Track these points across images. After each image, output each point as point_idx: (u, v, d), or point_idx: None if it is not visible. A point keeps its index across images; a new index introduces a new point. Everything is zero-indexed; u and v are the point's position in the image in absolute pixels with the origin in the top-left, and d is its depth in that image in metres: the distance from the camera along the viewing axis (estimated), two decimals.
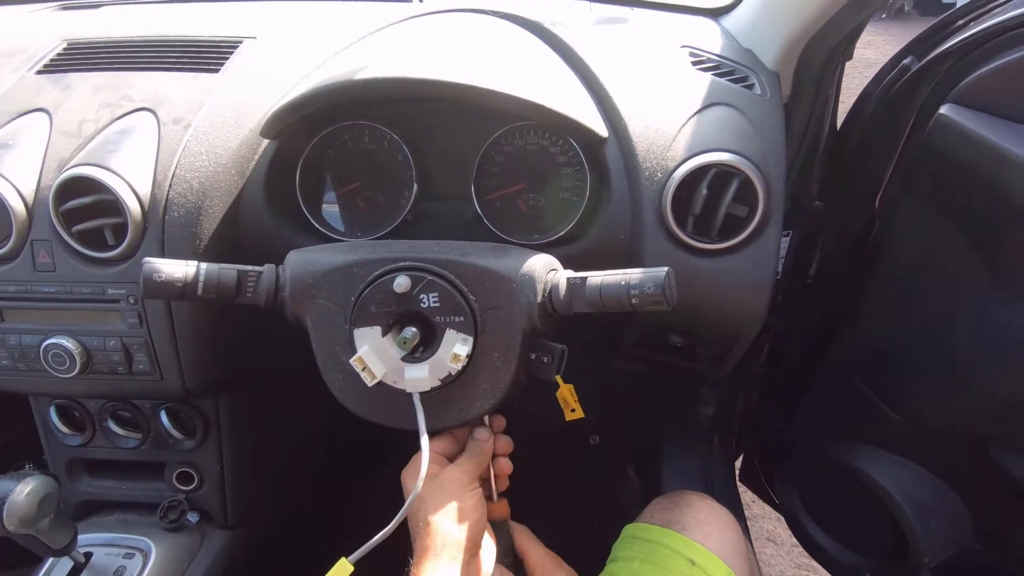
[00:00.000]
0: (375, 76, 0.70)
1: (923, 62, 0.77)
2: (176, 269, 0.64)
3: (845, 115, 0.96)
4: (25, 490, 0.69)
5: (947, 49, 0.74)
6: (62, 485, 0.78)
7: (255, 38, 0.92)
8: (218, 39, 0.92)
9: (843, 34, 0.75)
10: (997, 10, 0.74)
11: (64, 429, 0.91)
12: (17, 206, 0.75)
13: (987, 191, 0.68)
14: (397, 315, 0.65)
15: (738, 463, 1.41)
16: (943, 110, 0.70)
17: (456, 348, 0.63)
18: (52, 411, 0.91)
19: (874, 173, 0.86)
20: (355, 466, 1.37)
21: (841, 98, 0.96)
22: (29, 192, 0.76)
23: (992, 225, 0.70)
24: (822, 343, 1.05)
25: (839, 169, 0.95)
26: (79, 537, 0.79)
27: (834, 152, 0.95)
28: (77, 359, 0.77)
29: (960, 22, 0.78)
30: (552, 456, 1.42)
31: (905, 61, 0.80)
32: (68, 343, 0.77)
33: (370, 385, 0.64)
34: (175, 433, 0.89)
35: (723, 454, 1.33)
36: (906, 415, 0.91)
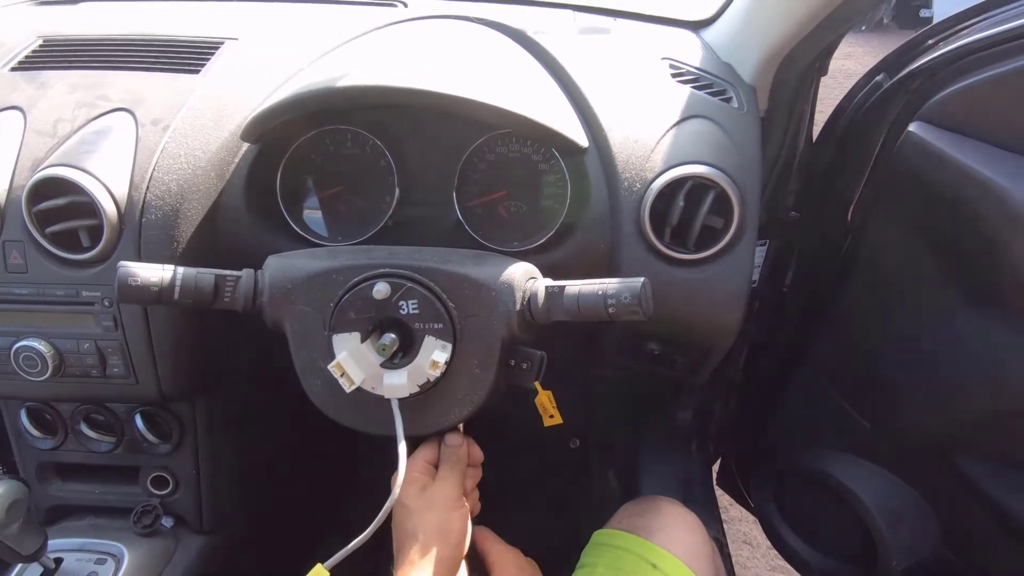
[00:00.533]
0: (357, 84, 0.70)
1: (894, 79, 0.79)
2: (152, 273, 0.63)
3: (820, 128, 0.98)
4: None
5: (917, 68, 0.77)
6: (32, 489, 0.77)
7: (237, 39, 0.92)
8: (199, 40, 0.91)
9: (818, 51, 0.77)
10: (964, 31, 0.77)
11: (35, 432, 0.90)
12: None
13: (953, 208, 0.70)
14: (376, 321, 0.65)
15: (716, 467, 1.43)
16: (912, 127, 0.72)
17: (435, 355, 0.64)
18: (23, 414, 0.89)
19: (847, 187, 0.88)
20: (332, 471, 1.37)
21: (818, 110, 0.98)
22: (1, 192, 0.74)
23: (959, 241, 0.72)
24: (797, 351, 1.07)
25: (814, 181, 0.97)
26: (49, 542, 0.77)
27: (809, 164, 0.97)
28: (49, 362, 0.76)
29: (931, 41, 0.81)
30: (533, 460, 1.43)
31: (878, 78, 0.82)
32: (40, 346, 0.76)
33: (348, 391, 0.64)
34: (150, 437, 0.88)
35: (701, 459, 1.35)
36: (877, 423, 0.94)
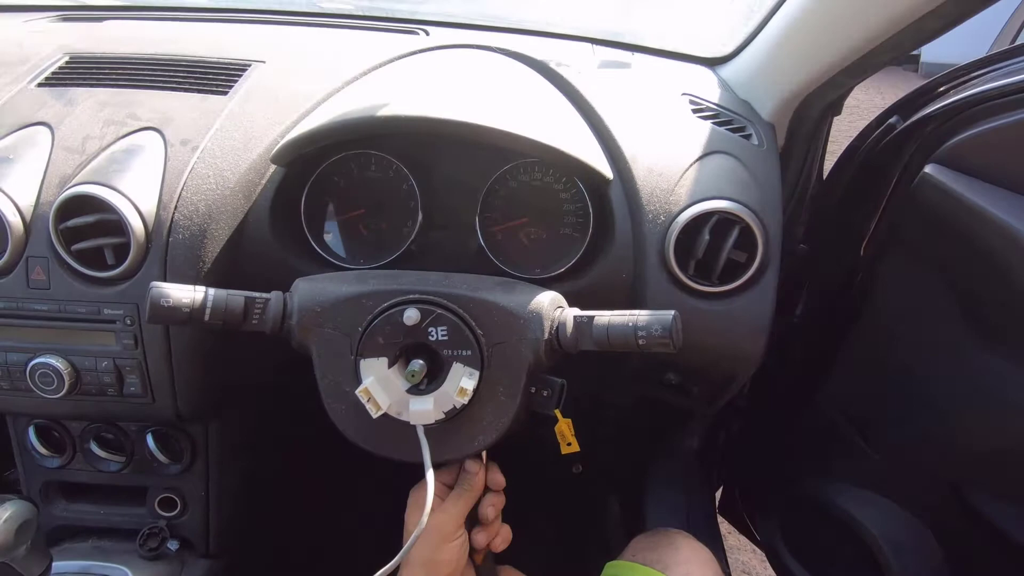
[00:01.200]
0: (394, 114, 0.71)
1: (907, 123, 0.82)
2: (184, 294, 0.63)
3: (832, 165, 1.00)
4: (3, 516, 0.67)
5: (930, 113, 0.79)
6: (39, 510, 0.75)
7: (264, 62, 0.93)
8: (227, 61, 0.92)
9: (837, 95, 0.79)
10: (975, 80, 0.80)
11: (43, 450, 0.88)
12: (15, 221, 0.73)
13: (969, 248, 0.72)
14: (404, 347, 0.65)
15: (718, 495, 1.43)
16: (928, 169, 0.75)
17: (463, 382, 0.64)
18: (31, 431, 0.87)
19: (859, 223, 0.91)
20: (345, 498, 1.35)
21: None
22: (28, 207, 0.74)
23: (973, 281, 0.74)
24: (806, 381, 1.09)
25: (825, 217, 0.99)
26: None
27: (820, 200, 1.00)
28: (66, 379, 0.75)
29: (942, 88, 0.84)
30: (535, 486, 1.42)
31: (891, 120, 0.85)
32: (57, 363, 0.75)
33: (375, 416, 0.64)
34: (161, 457, 0.86)
35: (704, 487, 1.35)
36: (886, 456, 0.95)
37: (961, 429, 0.81)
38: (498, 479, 0.72)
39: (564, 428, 0.81)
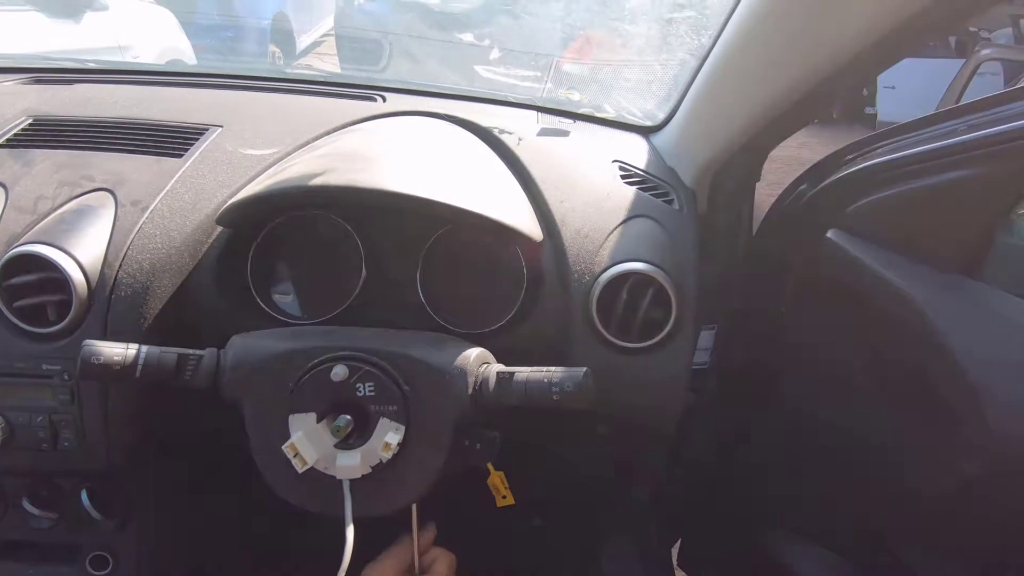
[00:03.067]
0: (329, 183, 0.76)
1: (815, 189, 0.89)
2: (116, 352, 0.65)
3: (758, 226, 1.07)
4: None
5: (834, 180, 0.86)
6: None
7: (221, 126, 0.98)
8: (185, 125, 0.97)
9: (748, 166, 0.86)
10: (877, 151, 0.87)
11: None
12: None
13: (869, 311, 0.77)
14: (332, 403, 0.67)
15: (676, 547, 1.43)
16: (830, 234, 0.81)
17: (388, 437, 0.66)
18: None
19: (779, 281, 0.96)
20: (281, 555, 1.32)
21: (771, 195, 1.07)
22: None
23: (872, 338, 0.79)
24: (748, 433, 1.12)
25: (754, 273, 1.05)
26: None
27: (752, 257, 1.06)
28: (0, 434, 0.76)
29: (848, 157, 0.91)
30: (496, 540, 1.41)
31: (801, 187, 0.92)
32: None
33: (300, 471, 0.65)
34: (95, 514, 0.86)
35: (661, 540, 1.35)
36: (822, 506, 0.97)
37: (878, 480, 0.85)
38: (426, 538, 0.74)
39: (497, 481, 0.83)
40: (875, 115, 5.97)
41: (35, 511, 0.87)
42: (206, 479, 1.00)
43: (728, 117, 0.79)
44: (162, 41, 3.48)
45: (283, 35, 5.21)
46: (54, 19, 2.99)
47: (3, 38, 2.67)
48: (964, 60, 4.35)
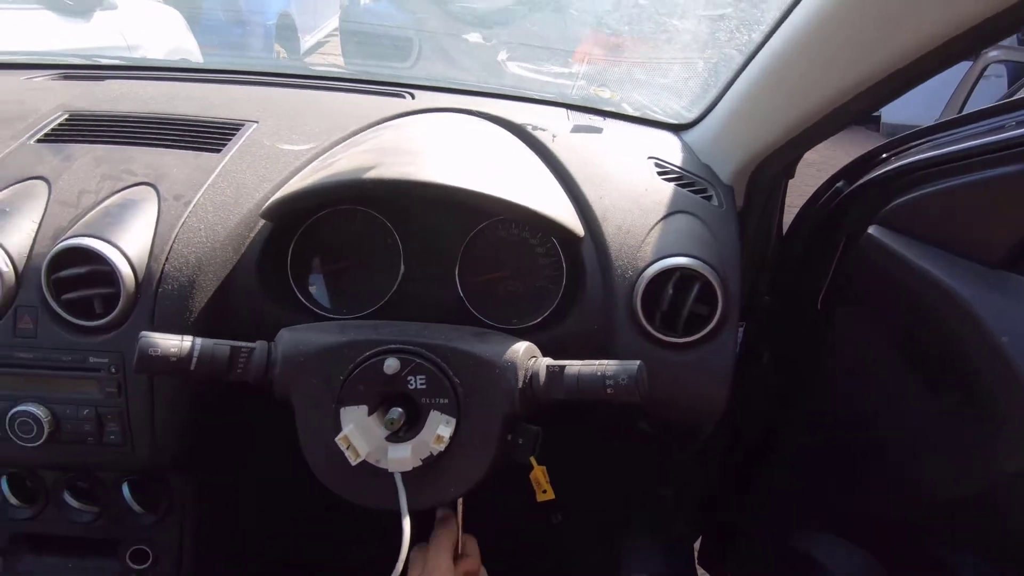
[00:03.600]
0: (379, 177, 0.76)
1: (852, 187, 0.89)
2: (172, 344, 0.65)
3: (789, 224, 1.08)
4: None
5: (872, 178, 0.87)
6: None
7: (257, 122, 0.98)
8: (221, 120, 0.97)
9: (787, 162, 0.87)
10: (913, 149, 0.88)
11: (14, 501, 0.87)
12: (7, 272, 0.75)
13: (911, 303, 0.78)
14: (383, 396, 0.68)
15: (697, 544, 1.44)
16: (871, 230, 0.82)
17: (440, 430, 0.66)
18: (3, 482, 0.87)
19: (815, 279, 0.97)
20: (327, 550, 1.32)
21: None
22: (21, 258, 0.77)
23: (912, 333, 0.80)
24: (775, 430, 1.12)
25: (785, 272, 1.05)
26: None
27: (781, 255, 1.06)
28: (45, 427, 0.76)
29: (884, 155, 0.92)
30: (514, 535, 1.41)
31: (838, 184, 0.92)
32: (38, 410, 0.76)
33: (353, 464, 0.66)
34: (136, 507, 0.86)
35: (683, 536, 1.36)
36: (851, 503, 0.98)
37: (913, 478, 0.85)
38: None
39: (539, 475, 0.83)
40: (879, 117, 6.00)
41: (76, 504, 0.87)
42: (251, 477, 1.00)
43: (772, 117, 0.80)
44: (169, 40, 3.48)
45: (288, 34, 5.21)
46: (64, 17, 2.99)
47: (13, 36, 2.67)
48: (970, 62, 4.36)
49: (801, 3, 0.65)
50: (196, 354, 0.66)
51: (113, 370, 0.76)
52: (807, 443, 1.07)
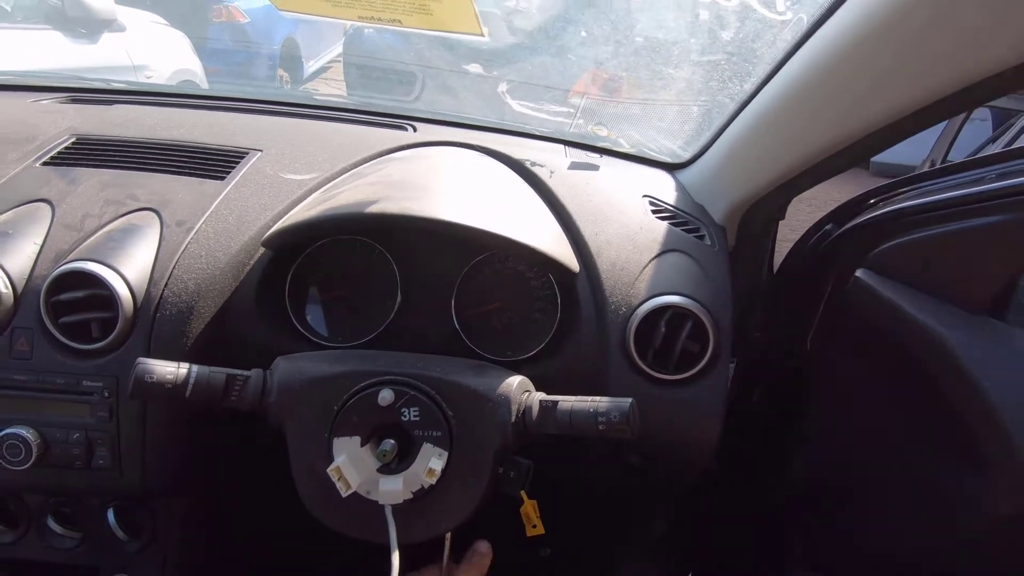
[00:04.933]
0: (381, 211, 0.78)
1: (842, 229, 0.92)
2: (168, 370, 0.66)
3: (780, 262, 1.10)
4: None
5: (860, 222, 0.90)
6: None
7: (261, 151, 1.00)
8: (227, 148, 0.99)
9: (777, 205, 0.89)
10: (900, 196, 0.91)
11: None
12: (5, 293, 0.76)
13: (896, 347, 0.79)
14: (376, 427, 0.68)
15: None
16: (858, 273, 0.84)
17: (432, 463, 0.66)
18: None
19: (804, 319, 0.99)
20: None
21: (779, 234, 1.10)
22: (20, 280, 0.77)
23: (897, 375, 0.81)
24: (766, 467, 1.13)
25: (776, 309, 1.07)
26: None
27: (771, 294, 1.08)
28: (34, 450, 0.75)
29: (872, 200, 0.95)
30: (501, 569, 1.38)
31: (827, 227, 0.95)
32: (27, 433, 0.75)
33: (344, 495, 0.65)
34: (120, 534, 0.85)
35: (673, 573, 1.34)
36: (843, 545, 0.97)
37: (903, 520, 0.85)
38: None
39: (529, 510, 0.82)
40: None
41: (59, 530, 0.86)
42: (238, 505, 0.99)
43: (763, 163, 0.82)
44: (175, 62, 3.54)
45: (292, 61, 5.32)
46: (73, 39, 3.04)
47: (24, 56, 2.71)
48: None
49: (792, 58, 0.68)
50: (192, 381, 0.66)
51: (106, 394, 0.76)
52: (796, 483, 1.07)
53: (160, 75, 3.33)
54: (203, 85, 3.47)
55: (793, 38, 0.67)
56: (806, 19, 0.63)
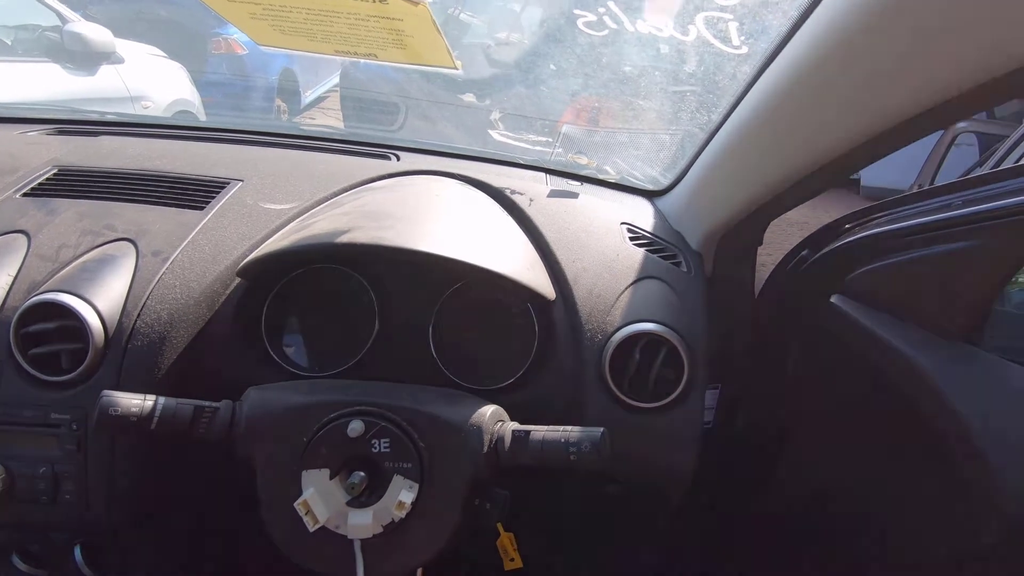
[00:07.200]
0: (354, 241, 0.78)
1: (817, 255, 0.92)
2: (133, 403, 0.65)
3: (760, 287, 1.10)
4: None
5: (835, 247, 0.90)
6: None
7: (242, 180, 1.01)
8: (207, 178, 1.00)
9: (753, 231, 0.90)
10: (874, 221, 0.92)
11: None
12: None
13: (871, 369, 0.79)
14: (346, 458, 0.67)
15: None
16: (833, 299, 0.84)
17: (402, 495, 0.65)
18: None
19: (784, 344, 0.98)
20: None
21: (769, 253, 1.10)
22: None
23: (877, 400, 0.81)
24: (753, 493, 1.11)
25: (758, 334, 1.07)
26: None
27: (753, 318, 1.08)
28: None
29: (848, 225, 0.96)
30: None
31: (803, 252, 0.95)
32: None
33: (312, 530, 0.64)
34: (87, 572, 0.82)
35: None
36: (834, 569, 0.95)
37: (889, 544, 0.84)
38: None
39: (506, 542, 0.81)
40: (859, 179, 6.21)
41: (24, 568, 0.83)
42: (204, 539, 0.97)
43: (738, 187, 0.83)
44: (173, 93, 3.60)
45: (289, 92, 5.40)
46: (70, 71, 3.09)
47: (20, 87, 2.76)
48: (942, 131, 4.57)
49: (752, 89, 0.69)
50: (158, 413, 0.65)
51: (74, 427, 0.75)
52: (781, 509, 1.05)
53: (158, 106, 3.38)
54: (200, 116, 3.51)
55: (752, 71, 0.69)
56: (760, 53, 0.65)
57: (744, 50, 0.70)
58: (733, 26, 0.70)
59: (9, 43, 3.23)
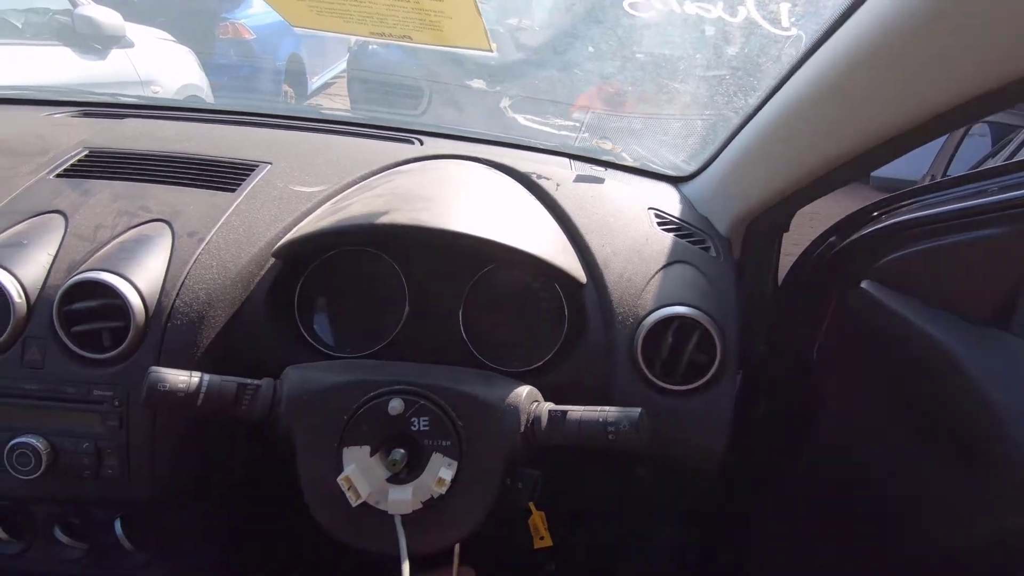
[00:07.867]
0: (390, 222, 0.79)
1: (846, 241, 0.93)
2: (180, 380, 0.66)
3: (785, 274, 1.11)
4: None
5: (864, 234, 0.90)
6: None
7: (271, 163, 1.01)
8: (236, 161, 1.00)
9: (781, 217, 0.90)
10: (902, 209, 0.92)
11: (3, 535, 0.85)
12: (19, 303, 0.76)
13: (902, 356, 0.80)
14: (386, 436, 0.68)
15: None
16: (864, 285, 0.84)
17: (442, 472, 0.67)
18: None
19: (809, 330, 0.99)
20: None
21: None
22: (34, 290, 0.78)
23: (903, 384, 0.81)
24: (771, 481, 1.12)
25: (781, 321, 1.08)
26: None
27: (776, 306, 1.09)
28: (44, 460, 0.75)
29: (876, 213, 0.96)
30: None
31: (831, 239, 0.96)
32: (37, 442, 0.76)
33: (354, 505, 0.65)
34: (127, 545, 0.84)
35: None
36: (852, 556, 0.97)
37: (912, 532, 0.85)
38: None
39: (538, 521, 0.83)
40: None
41: (66, 540, 0.85)
42: (244, 516, 0.99)
43: (767, 177, 0.84)
44: (182, 77, 3.59)
45: (296, 76, 5.38)
46: (81, 54, 3.09)
47: (34, 70, 2.76)
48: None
49: (795, 74, 0.69)
50: (204, 390, 0.67)
51: (117, 403, 0.76)
52: (804, 495, 1.06)
53: (167, 90, 3.38)
54: (209, 99, 3.51)
55: (797, 53, 0.68)
56: (808, 36, 0.65)
57: (792, 32, 0.70)
58: (785, 7, 0.69)
59: (19, 26, 3.22)
